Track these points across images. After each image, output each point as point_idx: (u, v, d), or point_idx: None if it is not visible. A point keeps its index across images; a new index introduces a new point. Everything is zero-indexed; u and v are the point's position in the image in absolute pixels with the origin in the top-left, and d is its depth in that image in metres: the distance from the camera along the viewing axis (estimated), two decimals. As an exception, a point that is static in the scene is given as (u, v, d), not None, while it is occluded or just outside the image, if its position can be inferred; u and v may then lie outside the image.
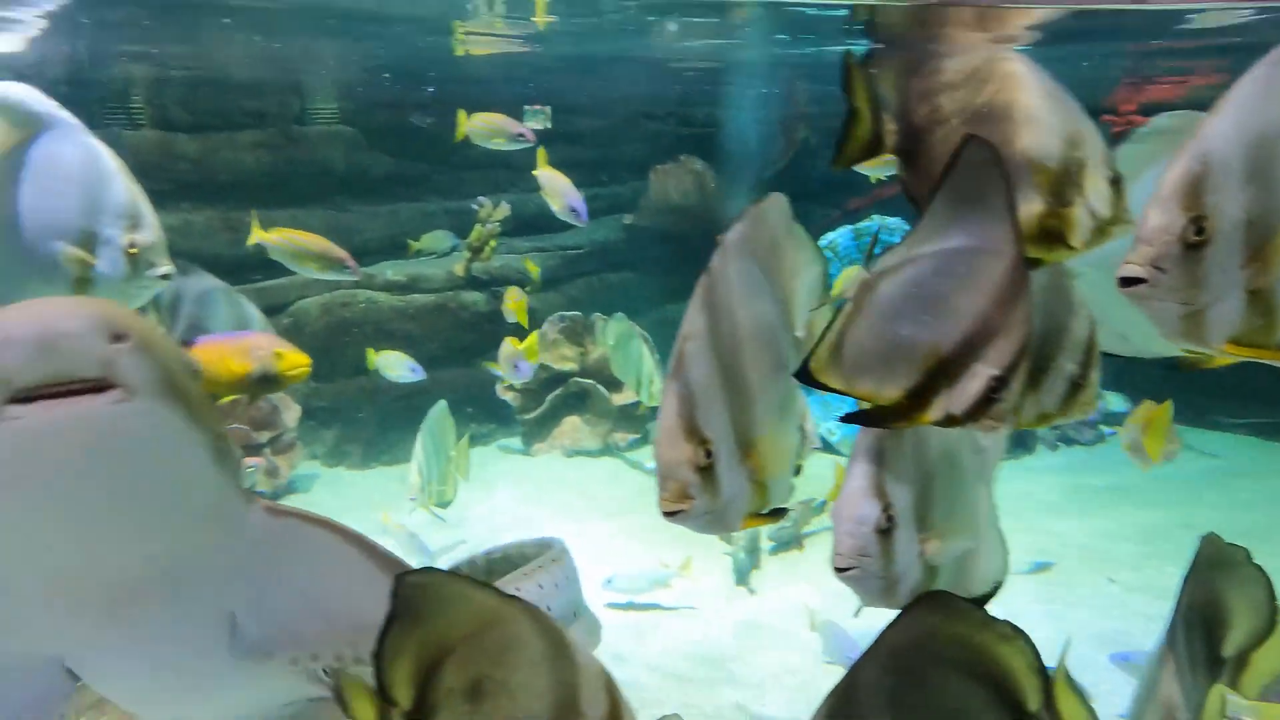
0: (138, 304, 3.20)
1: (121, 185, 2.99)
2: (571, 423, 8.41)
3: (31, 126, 2.93)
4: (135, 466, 1.39)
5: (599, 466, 8.12)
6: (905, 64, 2.12)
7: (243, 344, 3.36)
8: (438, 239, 8.41)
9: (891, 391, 1.80)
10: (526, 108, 6.71)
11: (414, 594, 1.52)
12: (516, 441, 8.50)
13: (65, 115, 2.97)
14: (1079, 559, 6.18)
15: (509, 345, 6.73)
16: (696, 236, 9.73)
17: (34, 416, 1.27)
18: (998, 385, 1.77)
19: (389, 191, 9.02)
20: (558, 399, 8.31)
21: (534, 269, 8.22)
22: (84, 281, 3.00)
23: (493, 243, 8.46)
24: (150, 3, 6.08)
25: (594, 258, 9.80)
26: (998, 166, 1.80)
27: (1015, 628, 1.58)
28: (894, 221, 8.94)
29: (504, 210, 8.33)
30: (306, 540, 1.74)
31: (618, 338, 7.20)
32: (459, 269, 8.50)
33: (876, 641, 1.60)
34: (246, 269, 7.65)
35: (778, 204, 2.05)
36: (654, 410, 7.79)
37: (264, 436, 7.03)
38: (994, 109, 2.00)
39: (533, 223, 9.02)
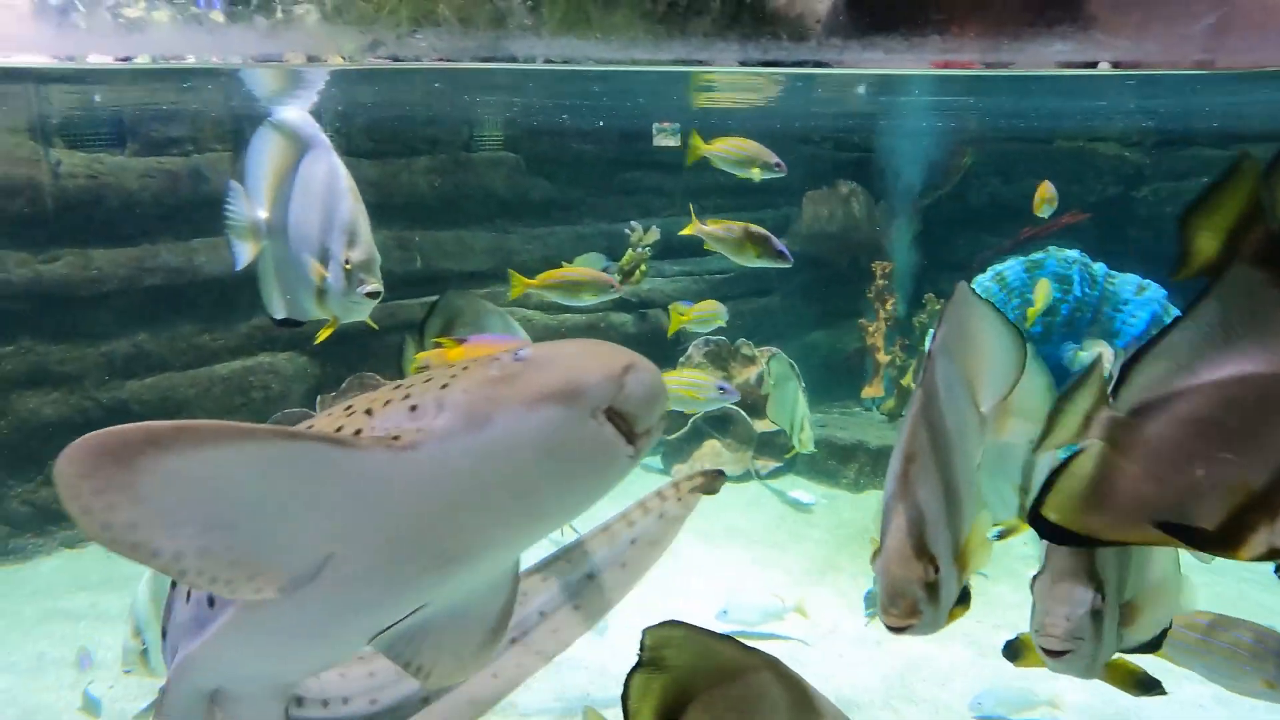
0: (353, 318, 3.47)
1: (347, 204, 3.29)
2: (712, 446, 8.40)
3: (302, 146, 3.36)
4: (594, 497, 1.76)
5: (738, 493, 8.04)
6: None
7: (511, 345, 3.55)
8: (590, 261, 8.66)
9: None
10: (656, 125, 6.72)
11: (658, 644, 1.68)
12: (657, 461, 8.57)
13: (323, 137, 3.35)
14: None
15: (695, 373, 6.52)
16: (848, 264, 9.58)
17: (607, 435, 1.64)
18: None
19: (546, 215, 9.39)
20: (700, 422, 8.33)
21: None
22: (321, 293, 3.32)
23: (643, 266, 8.62)
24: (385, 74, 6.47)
25: (742, 282, 9.78)
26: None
27: None
28: (1072, 254, 8.37)
29: (654, 234, 8.47)
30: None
31: (776, 378, 7.11)
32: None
33: None
34: (413, 284, 8.18)
35: (965, 294, 2.07)
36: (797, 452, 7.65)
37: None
38: None
39: (681, 247, 9.11)
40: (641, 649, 1.68)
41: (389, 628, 1.88)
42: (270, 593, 1.63)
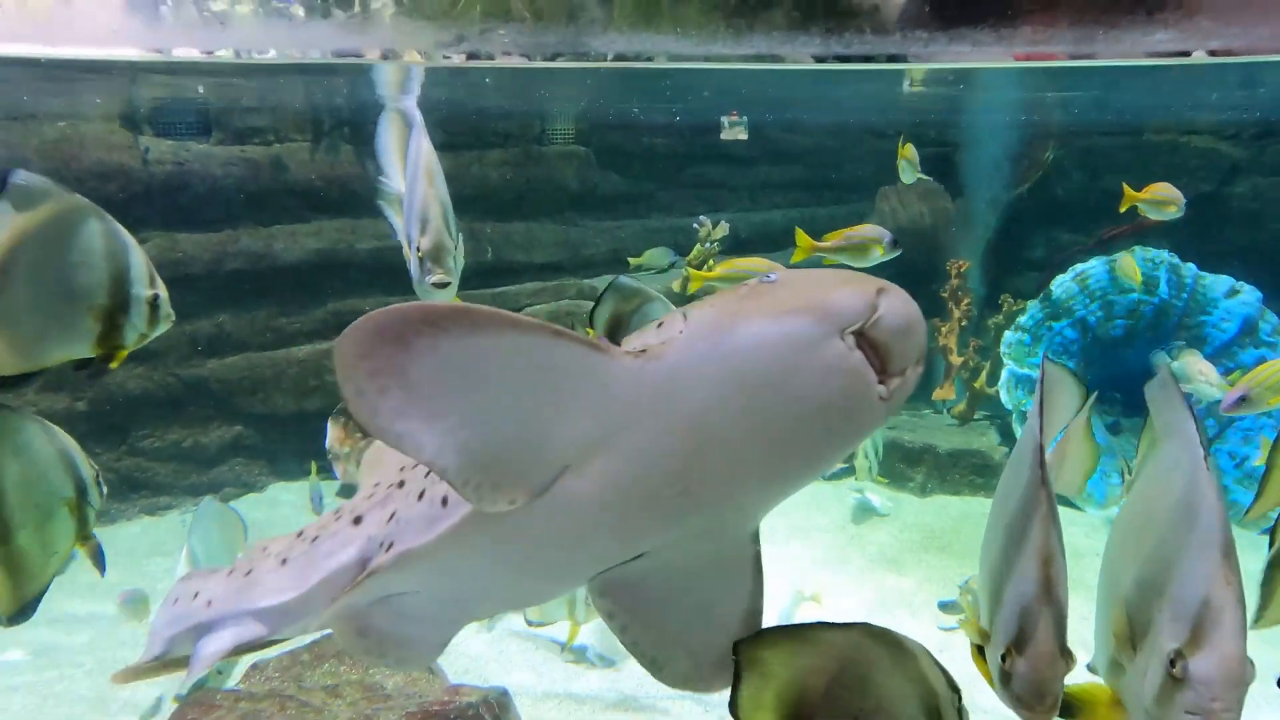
0: None
1: (421, 188, 3.24)
2: (775, 445, 8.29)
3: (409, 126, 3.51)
4: (839, 442, 1.65)
5: (801, 492, 7.92)
6: None
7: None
8: (657, 256, 8.64)
9: None
10: (724, 119, 6.53)
11: (755, 650, 1.67)
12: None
13: (419, 117, 3.47)
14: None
15: None
16: (922, 262, 9.32)
17: (855, 361, 1.53)
18: None
19: (615, 208, 9.39)
20: (764, 420, 8.21)
21: None
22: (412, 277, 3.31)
23: (711, 261, 8.55)
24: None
25: (811, 279, 9.62)
26: None
27: None
28: (1160, 254, 7.97)
29: (723, 229, 8.41)
30: None
31: None
32: (676, 285, 8.67)
33: None
34: (481, 275, 8.28)
35: (1053, 371, 2.10)
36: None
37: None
38: None
39: (749, 242, 9.03)
40: (738, 663, 1.65)
41: (609, 570, 1.84)
42: (506, 503, 1.62)
